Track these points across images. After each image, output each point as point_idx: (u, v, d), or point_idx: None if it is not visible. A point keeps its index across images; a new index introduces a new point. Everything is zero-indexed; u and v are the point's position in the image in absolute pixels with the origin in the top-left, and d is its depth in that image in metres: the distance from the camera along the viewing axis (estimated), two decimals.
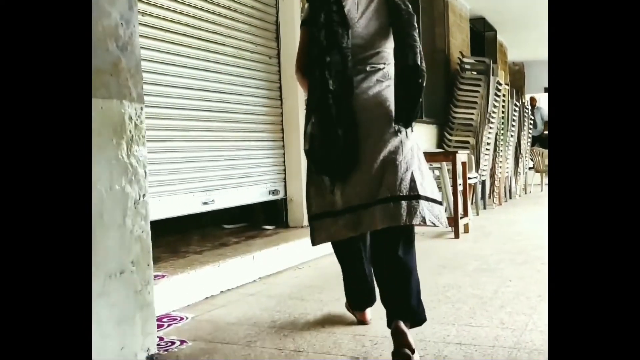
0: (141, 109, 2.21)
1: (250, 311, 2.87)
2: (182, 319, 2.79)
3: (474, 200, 7.01)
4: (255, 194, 4.63)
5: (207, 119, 4.13)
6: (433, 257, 4.11)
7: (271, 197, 4.82)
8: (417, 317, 2.25)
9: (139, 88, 2.19)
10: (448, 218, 5.41)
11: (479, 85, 7.55)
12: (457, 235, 5.04)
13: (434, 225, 2.20)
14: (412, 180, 2.16)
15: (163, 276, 2.99)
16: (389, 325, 2.18)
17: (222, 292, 3.28)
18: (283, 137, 4.96)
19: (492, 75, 7.65)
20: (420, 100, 2.26)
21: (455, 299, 2.92)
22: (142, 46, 3.59)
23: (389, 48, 2.33)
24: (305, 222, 4.93)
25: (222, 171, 4.27)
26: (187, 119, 3.94)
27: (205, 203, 4.08)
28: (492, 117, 7.61)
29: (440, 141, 7.56)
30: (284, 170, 4.98)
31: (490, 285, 3.18)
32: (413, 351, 2.04)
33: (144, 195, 2.22)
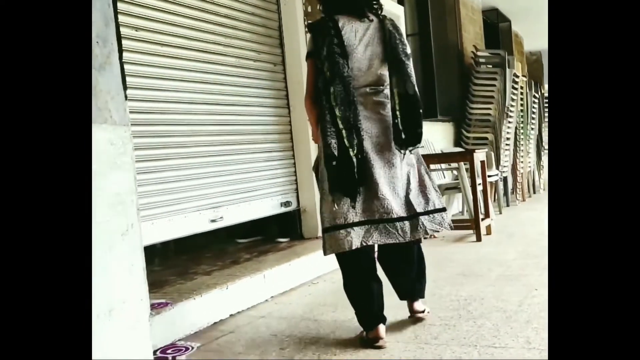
0: (125, 132, 2.05)
1: (259, 337, 2.70)
2: (187, 349, 2.64)
3: (496, 199, 6.78)
4: (266, 207, 4.47)
5: (211, 133, 3.98)
6: (453, 265, 3.91)
7: (283, 210, 4.66)
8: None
9: (121, 110, 2.04)
10: (469, 220, 5.22)
11: (494, 79, 7.31)
12: (479, 238, 4.83)
13: (437, 231, 2.59)
14: (408, 203, 2.52)
15: (167, 304, 2.84)
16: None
17: (231, 315, 3.12)
18: (293, 147, 4.80)
19: (508, 67, 7.40)
20: (422, 125, 2.53)
21: (477, 313, 2.73)
22: (138, 62, 3.51)
23: (385, 70, 2.53)
24: (320, 233, 4.75)
25: (230, 186, 4.11)
26: (190, 134, 3.79)
27: (213, 221, 3.93)
28: (511, 111, 7.37)
29: (458, 138, 7.34)
30: (295, 180, 4.81)
31: (515, 295, 2.98)
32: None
33: (132, 225, 2.07)
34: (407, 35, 6.16)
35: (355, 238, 2.41)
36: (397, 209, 2.47)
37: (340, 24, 2.47)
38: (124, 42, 3.31)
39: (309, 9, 4.71)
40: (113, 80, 2.02)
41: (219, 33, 4.10)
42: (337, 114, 2.38)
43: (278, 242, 4.74)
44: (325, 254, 2.52)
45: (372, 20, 2.56)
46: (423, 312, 2.71)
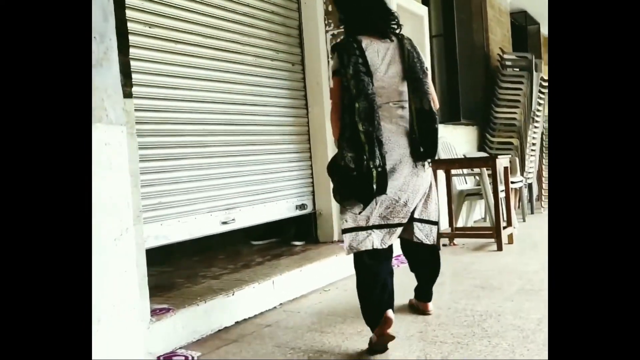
0: (121, 132, 1.96)
1: (262, 349, 2.59)
2: (186, 358, 2.54)
3: (519, 206, 6.59)
4: (280, 209, 4.36)
5: (225, 133, 3.88)
6: (471, 276, 3.76)
7: (298, 212, 4.55)
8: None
9: (118, 109, 1.95)
10: (490, 228, 5.06)
11: (521, 83, 7.11)
12: (500, 248, 4.66)
13: (420, 241, 2.78)
14: (428, 211, 2.80)
15: (169, 310, 2.74)
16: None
17: (237, 322, 3.02)
18: (310, 148, 4.69)
19: (536, 71, 7.19)
20: (437, 139, 2.71)
21: (492, 331, 2.58)
22: (151, 60, 3.42)
23: (405, 87, 2.69)
24: (336, 237, 4.65)
25: (243, 187, 4.01)
26: (203, 134, 3.70)
27: (224, 223, 3.83)
28: (537, 116, 7.16)
29: (481, 143, 7.15)
30: (312, 183, 4.70)
31: (535, 312, 2.82)
32: None
33: (126, 230, 1.98)
34: (432, 37, 6.01)
35: (376, 239, 2.63)
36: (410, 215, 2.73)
37: (363, 45, 2.62)
38: (136, 38, 3.27)
39: (329, 8, 4.58)
40: (110, 77, 1.93)
41: (236, 31, 4.00)
42: (360, 129, 2.51)
43: (293, 245, 4.63)
44: (347, 253, 2.66)
45: (392, 41, 2.72)
46: (430, 311, 2.97)
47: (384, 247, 2.63)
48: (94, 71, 1.86)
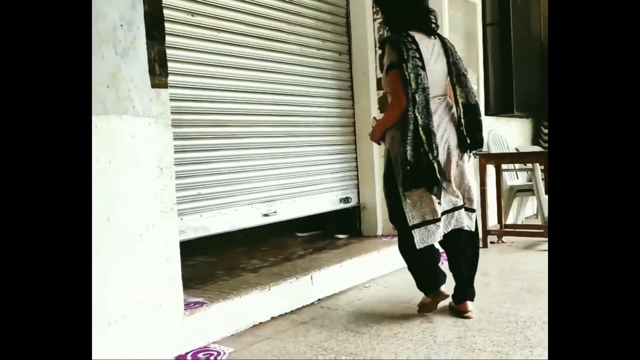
0: (149, 124, 1.91)
1: (294, 347, 2.53)
2: (218, 354, 2.50)
3: None
4: (324, 202, 4.29)
5: (268, 124, 3.82)
6: (518, 277, 3.60)
7: (342, 206, 4.47)
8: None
9: (145, 100, 1.90)
10: (541, 226, 4.86)
11: None
12: None
13: (462, 227, 2.84)
14: (471, 199, 2.89)
15: (203, 304, 2.70)
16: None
17: (272, 318, 2.96)
18: (355, 140, 4.59)
19: None
20: (482, 131, 2.88)
21: (535, 340, 2.44)
22: (193, 48, 3.38)
23: (447, 82, 2.86)
24: (380, 232, 4.55)
25: (286, 179, 3.96)
26: (246, 125, 3.66)
27: (265, 215, 3.79)
28: None
29: (536, 136, 6.89)
30: (357, 175, 4.61)
31: None
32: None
33: (153, 225, 1.93)
34: (487, 25, 5.80)
35: (442, 228, 2.78)
36: (462, 201, 2.85)
37: (417, 40, 2.74)
38: (177, 26, 3.24)
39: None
40: (137, 67, 1.89)
41: (281, 19, 3.93)
42: (419, 122, 2.66)
43: (336, 238, 4.56)
44: (418, 247, 2.75)
45: (436, 37, 2.85)
46: (469, 313, 2.85)
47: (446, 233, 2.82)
48: (120, 60, 1.81)
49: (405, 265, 2.99)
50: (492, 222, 5.03)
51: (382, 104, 4.43)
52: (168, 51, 3.17)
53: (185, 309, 2.57)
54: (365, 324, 2.79)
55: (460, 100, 2.81)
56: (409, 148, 2.65)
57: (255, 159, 3.74)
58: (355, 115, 4.58)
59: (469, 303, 2.84)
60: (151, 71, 2.35)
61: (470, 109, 2.82)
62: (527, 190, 5.27)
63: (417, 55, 2.70)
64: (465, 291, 2.87)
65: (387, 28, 3.03)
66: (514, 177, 5.55)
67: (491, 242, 4.75)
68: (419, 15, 2.84)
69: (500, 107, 6.03)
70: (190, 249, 4.07)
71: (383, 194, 2.96)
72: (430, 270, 2.89)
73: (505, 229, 4.93)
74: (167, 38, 3.15)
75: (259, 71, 3.75)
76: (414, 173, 2.67)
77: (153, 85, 2.34)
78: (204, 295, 2.86)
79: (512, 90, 6.02)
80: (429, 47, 2.78)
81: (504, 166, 5.06)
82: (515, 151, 5.75)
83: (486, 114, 5.33)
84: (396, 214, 2.83)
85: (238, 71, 3.60)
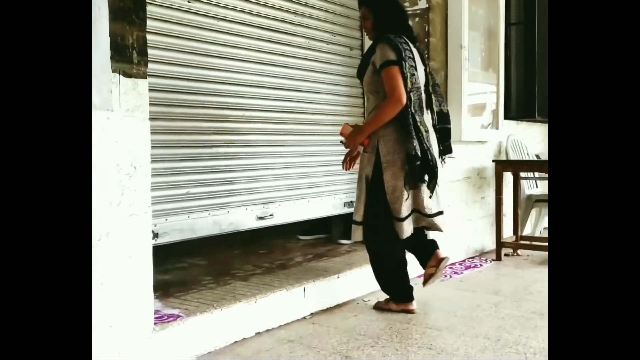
0: (107, 118, 1.66)
1: None
2: None
3: None
4: (326, 206, 4.03)
5: (269, 120, 3.57)
6: (532, 298, 3.30)
7: (346, 210, 4.19)
8: None
9: (104, 91, 1.66)
10: None
11: None
12: None
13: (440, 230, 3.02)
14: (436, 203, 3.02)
15: (178, 317, 2.46)
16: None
17: (257, 333, 2.71)
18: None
19: None
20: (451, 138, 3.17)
21: None
22: (190, 37, 3.13)
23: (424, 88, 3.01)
24: None
25: (285, 181, 3.70)
26: (244, 121, 3.41)
27: (261, 218, 3.53)
28: None
29: None
30: None
31: None
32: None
33: (107, 234, 1.68)
34: (511, 24, 5.50)
35: (414, 222, 2.96)
36: (431, 206, 2.97)
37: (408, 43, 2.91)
38: (172, 13, 2.99)
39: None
40: (97, 53, 1.64)
41: (287, 9, 3.67)
42: (417, 119, 2.81)
43: (339, 244, 4.29)
44: (403, 237, 2.90)
45: (415, 47, 3.01)
46: (445, 258, 3.03)
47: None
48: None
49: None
50: (508, 233, 4.73)
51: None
52: (160, 39, 2.95)
53: (155, 323, 2.33)
54: (358, 347, 2.52)
55: (435, 108, 3.05)
56: (416, 144, 2.76)
57: (253, 158, 3.49)
58: (365, 115, 4.29)
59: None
60: (127, 59, 2.12)
61: (443, 117, 3.06)
62: (546, 201, 4.95)
63: (411, 56, 2.86)
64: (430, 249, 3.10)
65: (373, 32, 3.01)
66: (533, 185, 5.24)
67: (505, 255, 4.47)
68: (405, 23, 3.02)
69: (522, 110, 5.72)
70: (182, 250, 3.86)
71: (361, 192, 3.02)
72: (407, 279, 3.05)
73: (521, 241, 4.63)
74: (159, 24, 2.94)
75: (261, 64, 3.50)
76: (422, 168, 2.79)
77: (127, 75, 2.11)
78: (181, 307, 2.61)
79: (535, 94, 5.72)
80: (414, 53, 2.94)
81: (522, 174, 4.75)
82: (535, 158, 5.44)
83: (506, 118, 5.02)
84: (379, 212, 2.91)
85: (237, 63, 3.35)
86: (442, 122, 3.05)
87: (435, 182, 2.90)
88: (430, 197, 2.92)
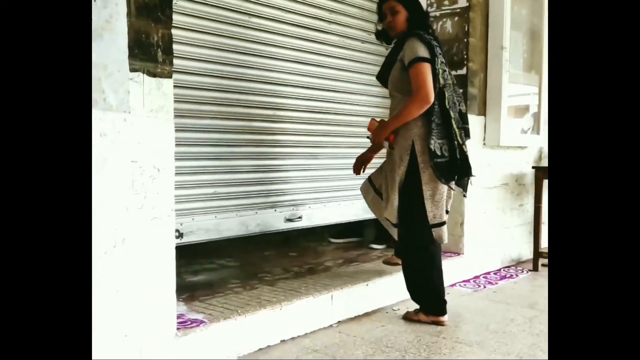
0: (124, 119, 1.59)
1: None
2: None
3: None
4: (356, 210, 3.92)
5: (300, 120, 3.49)
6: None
7: None
8: None
9: (121, 92, 1.59)
10: None
11: None
12: None
13: None
14: None
15: (201, 322, 2.39)
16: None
17: (282, 341, 2.63)
18: None
19: None
20: None
21: None
22: (214, 32, 3.02)
23: None
24: None
25: (315, 183, 3.62)
26: (274, 120, 3.33)
27: (289, 220, 3.45)
28: None
29: None
30: None
31: None
32: None
33: (123, 240, 1.62)
34: None
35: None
36: None
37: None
38: (195, 6, 2.92)
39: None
40: (113, 52, 1.57)
41: (320, 5, 3.57)
42: (451, 115, 2.77)
43: (371, 248, 4.19)
44: (445, 241, 2.90)
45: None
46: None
47: None
48: (93, 44, 1.50)
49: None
50: (546, 242, 4.55)
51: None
52: (187, 34, 2.88)
53: (178, 329, 2.27)
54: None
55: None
56: (438, 142, 2.75)
57: (283, 158, 3.41)
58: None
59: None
60: (152, 58, 2.05)
61: (462, 117, 2.96)
62: None
63: (441, 52, 2.82)
64: None
65: (405, 27, 2.92)
66: None
67: (543, 265, 4.30)
68: (430, 22, 3.01)
69: None
70: (212, 249, 3.81)
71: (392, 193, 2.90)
72: (443, 291, 2.95)
73: (543, 252, 4.45)
74: (187, 19, 2.87)
75: (292, 62, 3.41)
76: (448, 166, 2.76)
77: (152, 74, 2.04)
78: (205, 311, 2.55)
79: None
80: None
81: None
82: None
83: None
84: (413, 212, 2.83)
85: (268, 61, 3.27)
86: (463, 122, 2.96)
87: (467, 181, 2.90)
88: (465, 196, 3.00)
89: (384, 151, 3.20)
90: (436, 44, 2.79)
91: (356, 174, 3.26)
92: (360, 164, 3.25)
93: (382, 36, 3.13)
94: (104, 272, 1.72)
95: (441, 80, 2.74)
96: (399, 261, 3.16)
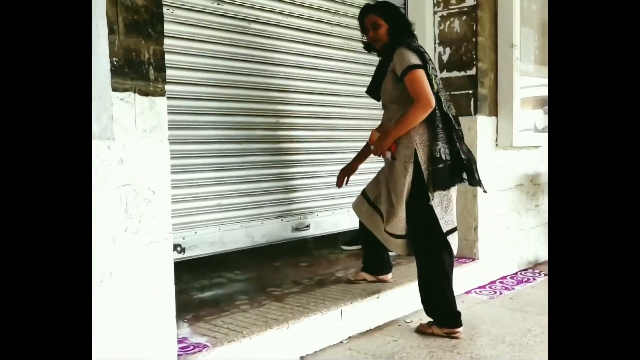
0: (108, 148, 1.50)
1: None
2: None
3: None
4: None
5: (304, 127, 3.40)
6: None
7: None
8: None
9: (104, 118, 1.49)
10: None
11: None
12: None
13: None
14: None
15: (204, 347, 2.30)
16: None
17: None
18: None
19: None
20: None
21: None
22: (216, 40, 2.92)
23: None
24: None
25: (322, 190, 3.53)
26: (276, 127, 3.24)
27: (296, 229, 3.36)
28: None
29: None
30: None
31: None
32: None
33: (110, 274, 1.53)
34: None
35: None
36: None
37: None
38: (198, 15, 2.83)
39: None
40: (95, 75, 1.47)
41: (323, 8, 3.47)
42: (451, 118, 2.77)
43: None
44: (456, 254, 2.87)
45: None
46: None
47: None
48: None
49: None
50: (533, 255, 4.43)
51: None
52: (185, 43, 2.79)
53: (179, 354, 2.18)
54: None
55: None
56: (441, 146, 2.71)
57: (288, 167, 3.32)
58: None
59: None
60: (143, 76, 1.96)
61: (456, 120, 2.92)
62: None
63: (430, 58, 2.82)
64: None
65: (387, 39, 2.90)
66: None
67: (526, 278, 4.17)
68: (413, 30, 2.97)
69: None
70: (221, 261, 3.70)
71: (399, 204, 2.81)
72: (455, 302, 2.87)
73: None
74: (185, 29, 2.78)
75: (295, 67, 3.32)
76: (451, 170, 2.74)
77: (144, 93, 1.95)
78: (209, 334, 2.46)
79: None
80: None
81: None
82: None
83: None
84: (424, 222, 2.77)
85: (270, 67, 3.19)
86: (457, 124, 2.91)
87: (478, 177, 2.83)
88: (485, 191, 2.98)
89: (370, 159, 3.20)
90: (424, 50, 2.77)
91: (338, 187, 3.25)
92: (344, 175, 3.23)
93: (370, 48, 3.05)
94: (99, 303, 1.64)
95: (435, 86, 2.72)
96: (367, 277, 3.24)
